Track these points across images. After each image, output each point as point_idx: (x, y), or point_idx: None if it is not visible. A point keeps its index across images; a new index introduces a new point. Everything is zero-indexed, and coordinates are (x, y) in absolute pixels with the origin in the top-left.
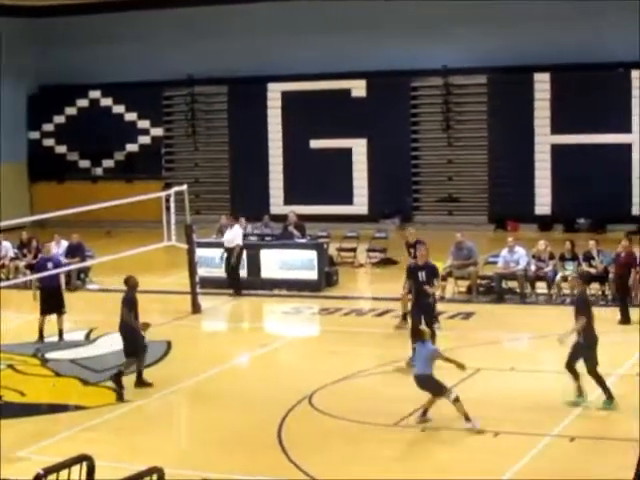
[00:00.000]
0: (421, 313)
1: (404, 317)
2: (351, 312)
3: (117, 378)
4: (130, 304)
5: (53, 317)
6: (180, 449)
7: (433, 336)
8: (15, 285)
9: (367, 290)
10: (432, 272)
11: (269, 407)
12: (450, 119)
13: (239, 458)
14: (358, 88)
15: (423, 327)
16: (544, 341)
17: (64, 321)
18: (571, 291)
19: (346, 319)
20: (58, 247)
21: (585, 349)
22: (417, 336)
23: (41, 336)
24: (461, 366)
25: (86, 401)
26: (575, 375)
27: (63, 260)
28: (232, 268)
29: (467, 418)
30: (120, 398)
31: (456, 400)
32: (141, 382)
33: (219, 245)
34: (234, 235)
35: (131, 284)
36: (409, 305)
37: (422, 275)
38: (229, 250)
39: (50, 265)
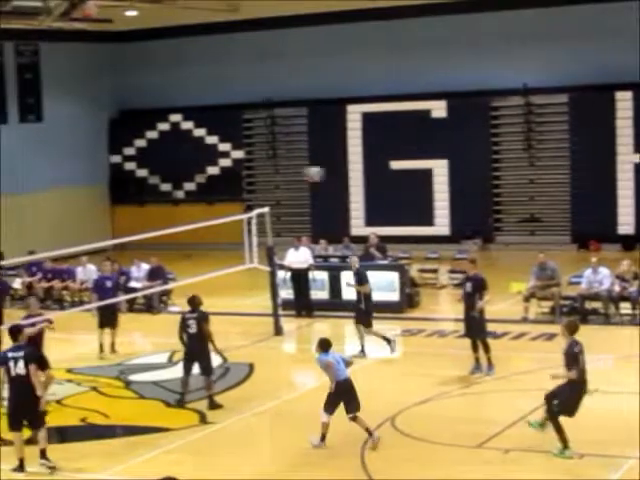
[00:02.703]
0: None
1: None
2: (433, 334)
3: (212, 403)
4: (207, 321)
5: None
6: (262, 471)
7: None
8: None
9: (449, 311)
10: (479, 284)
11: (352, 429)
12: (531, 139)
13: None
14: (438, 109)
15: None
16: (628, 362)
17: (117, 335)
18: None
19: (428, 340)
20: (139, 270)
21: None
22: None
23: (100, 349)
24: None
25: (169, 423)
26: None
27: (145, 284)
28: (306, 289)
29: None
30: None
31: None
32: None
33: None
34: (306, 256)
35: (198, 302)
36: None
37: (469, 286)
38: (300, 271)
39: (109, 283)
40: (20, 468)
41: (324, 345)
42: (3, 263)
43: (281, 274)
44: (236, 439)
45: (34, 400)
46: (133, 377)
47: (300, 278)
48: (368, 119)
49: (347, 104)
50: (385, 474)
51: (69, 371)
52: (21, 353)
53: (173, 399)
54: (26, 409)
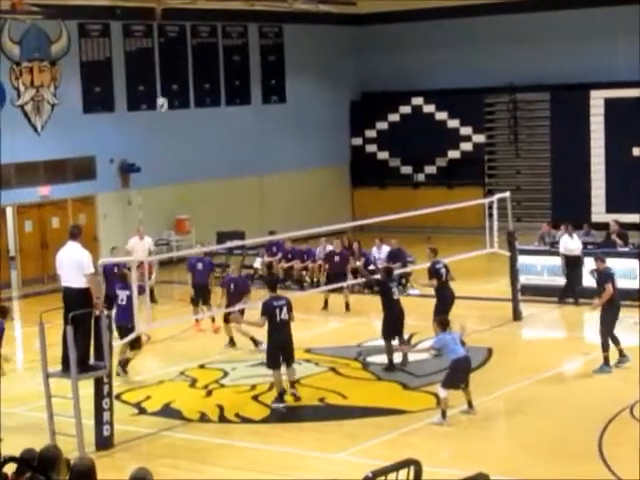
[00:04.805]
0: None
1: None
2: None
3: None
4: None
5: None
6: (501, 456)
7: None
8: (335, 289)
9: None
10: (600, 279)
11: (589, 416)
12: None
13: (560, 467)
14: None
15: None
16: None
17: None
18: None
19: None
20: (379, 252)
21: None
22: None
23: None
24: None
25: (406, 405)
26: None
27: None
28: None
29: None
30: None
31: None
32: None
33: (540, 252)
34: (579, 244)
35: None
36: None
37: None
38: (574, 258)
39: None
40: (279, 399)
41: (443, 324)
42: (244, 242)
43: (558, 261)
44: (473, 423)
45: (292, 340)
46: (371, 359)
47: (574, 265)
48: (611, 105)
49: (590, 89)
50: (624, 464)
51: (307, 351)
52: (283, 302)
53: (411, 381)
54: (287, 348)
